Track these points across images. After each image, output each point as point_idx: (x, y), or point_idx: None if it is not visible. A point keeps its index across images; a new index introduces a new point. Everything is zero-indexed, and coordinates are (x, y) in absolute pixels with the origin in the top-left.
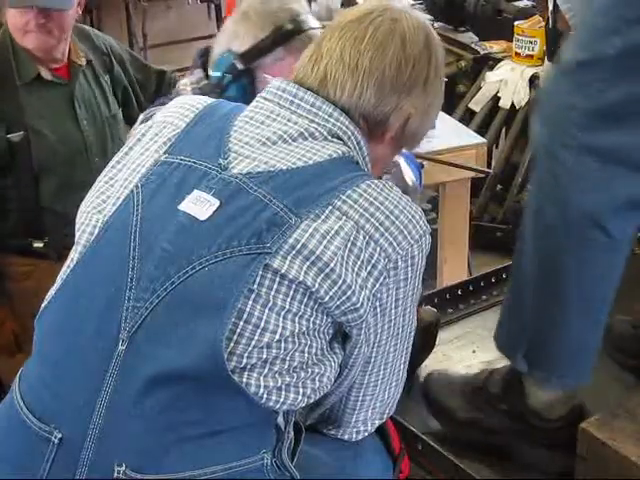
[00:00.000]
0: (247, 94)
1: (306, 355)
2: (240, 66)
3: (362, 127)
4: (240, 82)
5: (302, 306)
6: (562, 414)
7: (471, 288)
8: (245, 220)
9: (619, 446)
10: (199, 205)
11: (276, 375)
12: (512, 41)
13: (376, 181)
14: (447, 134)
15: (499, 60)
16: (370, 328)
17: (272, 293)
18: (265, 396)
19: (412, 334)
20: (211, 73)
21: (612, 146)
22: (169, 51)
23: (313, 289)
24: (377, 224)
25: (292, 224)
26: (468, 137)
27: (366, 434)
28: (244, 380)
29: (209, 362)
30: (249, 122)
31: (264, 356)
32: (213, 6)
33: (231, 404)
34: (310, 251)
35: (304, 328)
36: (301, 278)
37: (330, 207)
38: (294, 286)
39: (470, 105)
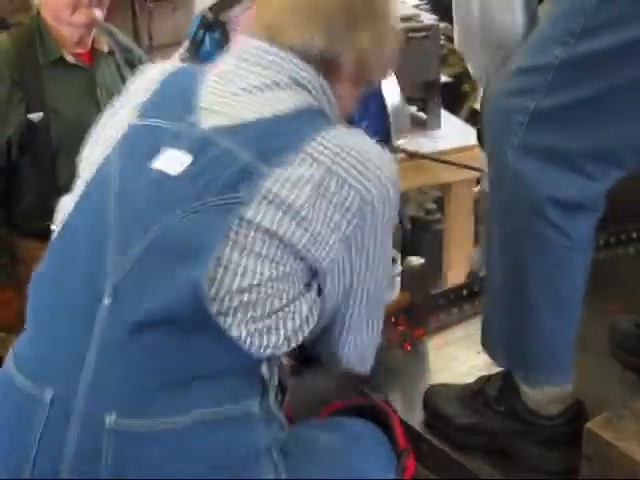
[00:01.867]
0: (222, 46)
1: (284, 300)
2: (210, 17)
3: (319, 69)
4: (213, 35)
5: (278, 252)
6: (559, 412)
7: (476, 289)
8: (218, 172)
9: (624, 446)
10: (172, 162)
11: (257, 319)
12: None
13: (345, 128)
14: (452, 134)
15: None
16: (345, 263)
17: (249, 240)
18: (248, 340)
19: (389, 266)
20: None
21: (552, 148)
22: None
23: (286, 238)
24: (350, 168)
25: (264, 173)
26: (473, 137)
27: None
28: (226, 324)
29: (191, 304)
30: (215, 80)
31: (244, 299)
32: None
33: (215, 348)
34: (282, 200)
35: (281, 273)
36: (274, 228)
37: (301, 154)
38: (269, 235)
39: (475, 105)
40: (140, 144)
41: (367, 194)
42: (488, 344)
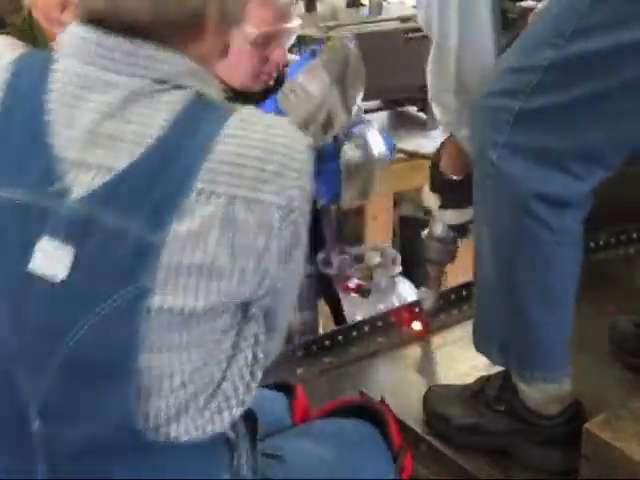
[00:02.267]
0: None
1: (223, 363)
2: None
3: (176, 34)
4: None
5: (201, 327)
6: (558, 411)
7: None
8: (109, 262)
9: (623, 446)
10: (51, 262)
11: (203, 410)
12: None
13: (231, 130)
14: None
15: None
16: (280, 273)
17: (165, 334)
18: (200, 434)
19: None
20: None
21: (538, 148)
22: None
23: (206, 306)
24: (251, 184)
25: (158, 244)
26: None
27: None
28: (172, 433)
29: (127, 430)
30: (63, 100)
31: (181, 398)
32: None
33: (166, 459)
34: (188, 266)
35: (212, 347)
36: (190, 304)
37: (193, 194)
38: (186, 314)
39: None
40: (5, 236)
41: (281, 199)
42: (482, 343)
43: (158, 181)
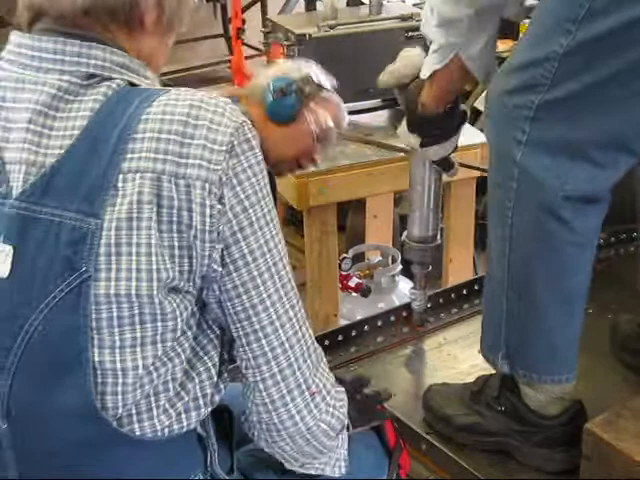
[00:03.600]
0: None
1: (185, 364)
2: None
3: (115, 26)
4: None
5: (152, 321)
6: (559, 412)
7: (476, 288)
8: (48, 254)
9: (624, 446)
10: None
11: (167, 407)
12: (517, 40)
13: (153, 109)
14: None
15: (505, 59)
16: (241, 246)
17: (115, 326)
18: (167, 432)
19: (282, 243)
20: None
21: (561, 140)
22: (174, 51)
23: (150, 289)
24: (175, 158)
25: (94, 229)
26: (473, 136)
27: (307, 421)
28: (136, 430)
29: (91, 426)
30: (4, 105)
31: (139, 395)
32: (219, 6)
33: (136, 456)
34: (127, 248)
35: (168, 343)
36: (133, 290)
37: (121, 175)
38: (134, 302)
39: (475, 104)
40: None
41: (208, 173)
42: (484, 346)
43: (87, 168)
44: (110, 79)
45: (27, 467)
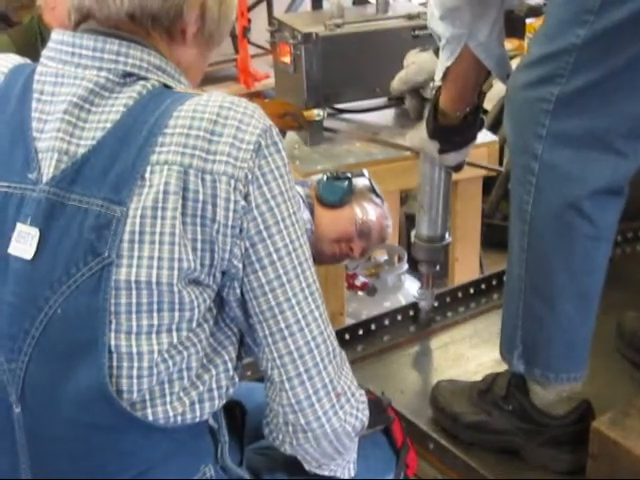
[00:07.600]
0: None
1: (201, 353)
2: None
3: (157, 33)
4: None
5: (170, 310)
6: (567, 412)
7: (483, 287)
8: (73, 239)
9: (631, 445)
10: (23, 242)
11: (181, 395)
12: (523, 39)
13: (185, 106)
14: None
15: (511, 58)
16: (251, 256)
17: (133, 312)
18: (180, 420)
19: (307, 245)
20: None
21: (583, 131)
22: None
23: (173, 280)
24: (203, 153)
25: (119, 216)
26: (480, 135)
27: (333, 423)
28: (149, 415)
29: (105, 409)
30: (42, 98)
31: (154, 381)
32: None
33: (148, 441)
34: (150, 237)
35: (183, 332)
36: (154, 277)
37: (149, 167)
38: (154, 289)
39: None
40: None
41: (234, 170)
42: (501, 345)
43: (117, 159)
44: (146, 79)
45: (38, 450)
